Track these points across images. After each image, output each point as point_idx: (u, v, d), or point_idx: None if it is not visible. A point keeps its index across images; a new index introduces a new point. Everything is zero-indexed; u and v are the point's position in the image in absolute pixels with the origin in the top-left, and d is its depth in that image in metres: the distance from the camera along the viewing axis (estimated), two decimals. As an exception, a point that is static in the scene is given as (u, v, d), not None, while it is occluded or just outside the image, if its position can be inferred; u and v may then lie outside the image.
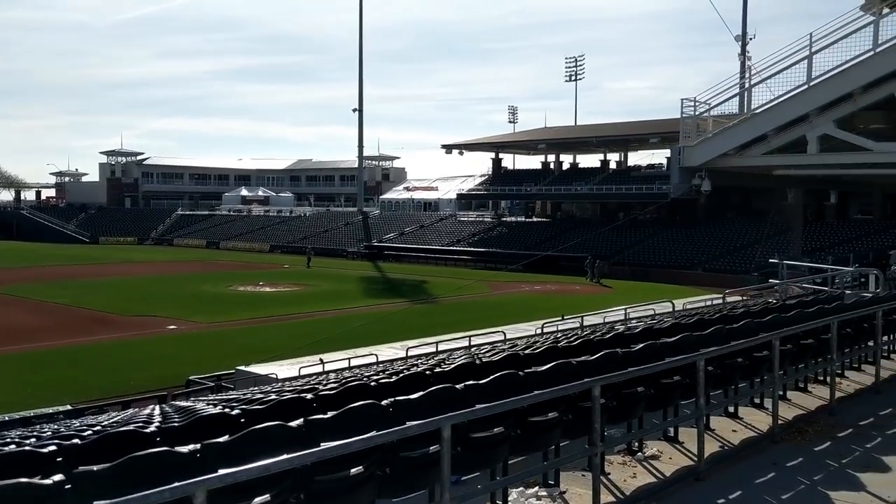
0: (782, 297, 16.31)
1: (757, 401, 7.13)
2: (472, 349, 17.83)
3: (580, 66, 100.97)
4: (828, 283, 16.94)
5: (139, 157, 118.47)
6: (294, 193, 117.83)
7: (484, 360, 6.67)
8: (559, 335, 14.41)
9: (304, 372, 19.45)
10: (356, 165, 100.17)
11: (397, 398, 4.34)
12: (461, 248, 72.14)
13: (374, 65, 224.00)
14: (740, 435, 6.58)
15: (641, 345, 6.38)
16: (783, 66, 17.49)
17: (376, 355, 20.69)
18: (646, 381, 5.58)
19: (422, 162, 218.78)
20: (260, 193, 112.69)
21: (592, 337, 7.78)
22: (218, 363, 24.08)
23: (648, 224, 63.77)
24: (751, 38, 64.10)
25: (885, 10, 17.18)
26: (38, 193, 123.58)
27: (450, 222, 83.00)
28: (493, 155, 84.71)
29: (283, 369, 20.87)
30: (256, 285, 49.87)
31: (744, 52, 63.69)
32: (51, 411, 18.37)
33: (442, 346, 20.45)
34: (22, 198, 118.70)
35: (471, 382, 4.73)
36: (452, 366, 6.68)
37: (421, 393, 4.36)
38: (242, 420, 4.84)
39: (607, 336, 7.79)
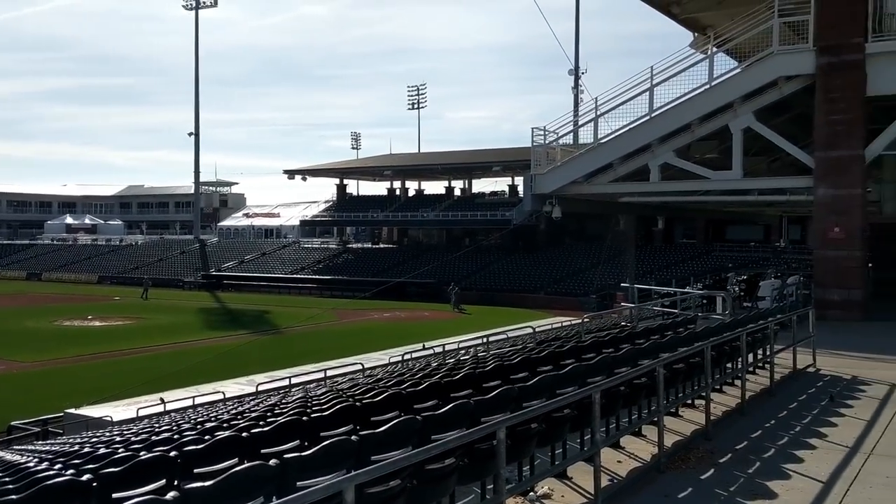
0: (635, 319, 16.87)
1: (635, 428, 7.10)
2: (330, 381, 17.17)
3: (422, 94, 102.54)
4: (676, 305, 17.71)
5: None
6: (125, 221, 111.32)
7: (363, 400, 6.20)
8: (426, 365, 14.08)
9: (142, 413, 18.01)
10: (192, 191, 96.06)
11: (287, 456, 3.81)
12: (306, 276, 70.63)
13: (209, 88, 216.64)
14: (626, 466, 6.48)
15: (535, 378, 6.15)
16: (627, 98, 18.27)
17: (223, 392, 19.51)
18: (539, 417, 5.33)
19: (262, 188, 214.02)
20: (87, 221, 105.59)
21: (476, 370, 7.47)
22: (44, 406, 21.95)
23: (493, 250, 65.23)
24: (583, 73, 67.67)
25: (713, 49, 18.36)
26: None
27: (293, 249, 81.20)
28: (337, 181, 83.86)
29: (119, 411, 19.30)
30: (85, 319, 46.30)
31: (577, 84, 67.15)
32: None
33: (296, 380, 19.61)
34: None
35: (367, 432, 4.29)
36: (328, 408, 6.13)
37: (316, 448, 3.85)
38: (95, 485, 4.11)
39: (488, 367, 7.52)
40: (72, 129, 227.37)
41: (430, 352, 22.27)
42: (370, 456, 4.20)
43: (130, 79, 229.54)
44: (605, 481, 5.84)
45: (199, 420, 10.99)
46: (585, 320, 17.94)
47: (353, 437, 4.04)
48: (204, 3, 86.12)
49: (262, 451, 4.96)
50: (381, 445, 4.27)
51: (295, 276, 71.27)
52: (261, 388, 19.43)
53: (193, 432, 7.70)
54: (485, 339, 19.61)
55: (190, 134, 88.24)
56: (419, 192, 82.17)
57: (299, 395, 12.31)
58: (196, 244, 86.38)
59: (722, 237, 60.62)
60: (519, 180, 74.93)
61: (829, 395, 9.28)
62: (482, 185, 79.01)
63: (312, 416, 6.02)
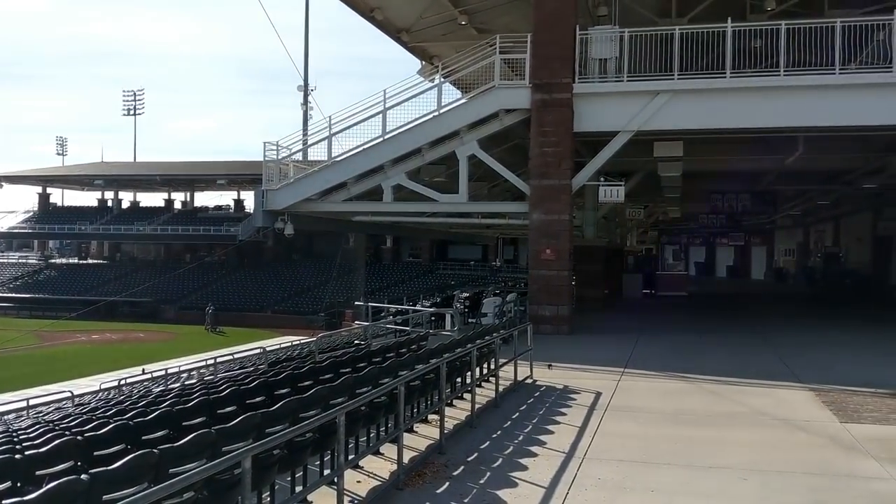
0: (370, 337, 17.08)
1: (377, 448, 7.14)
2: (34, 412, 15.32)
3: (139, 100, 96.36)
4: (408, 322, 18.23)
5: None
6: None
7: (85, 433, 5.54)
8: (146, 391, 13.11)
9: None
10: None
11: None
12: (0, 295, 63.01)
13: None
14: (366, 485, 6.47)
15: (278, 402, 5.91)
16: (361, 119, 18.53)
17: None
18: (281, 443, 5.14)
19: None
20: None
21: (209, 395, 7.02)
22: None
23: (216, 266, 62.88)
24: (313, 89, 67.92)
25: (440, 78, 19.34)
26: None
27: (-15, 264, 72.10)
28: (39, 189, 75.84)
29: None
30: None
31: (306, 101, 67.20)
32: None
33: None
34: None
35: (98, 470, 3.83)
36: (43, 443, 5.42)
37: (39, 494, 3.36)
38: None
39: (223, 393, 7.09)
40: None
41: (149, 376, 20.89)
42: (102, 496, 3.78)
43: None
44: (346, 502, 5.79)
45: None
46: (318, 338, 17.86)
47: (83, 477, 3.61)
48: None
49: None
50: (114, 484, 3.86)
51: (-14, 294, 63.26)
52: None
53: None
54: (212, 361, 18.74)
55: None
56: (135, 203, 76.91)
57: None
58: None
59: (445, 256, 63.92)
60: (245, 194, 73.16)
61: (545, 404, 10.07)
62: (205, 199, 76.03)
63: (27, 452, 5.29)
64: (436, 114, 18.35)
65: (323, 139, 18.85)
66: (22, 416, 15.49)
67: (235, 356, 21.35)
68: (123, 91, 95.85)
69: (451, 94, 19.81)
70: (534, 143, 17.87)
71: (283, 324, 49.73)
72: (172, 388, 11.26)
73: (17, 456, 5.09)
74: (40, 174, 75.08)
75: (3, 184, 72.67)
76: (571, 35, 17.91)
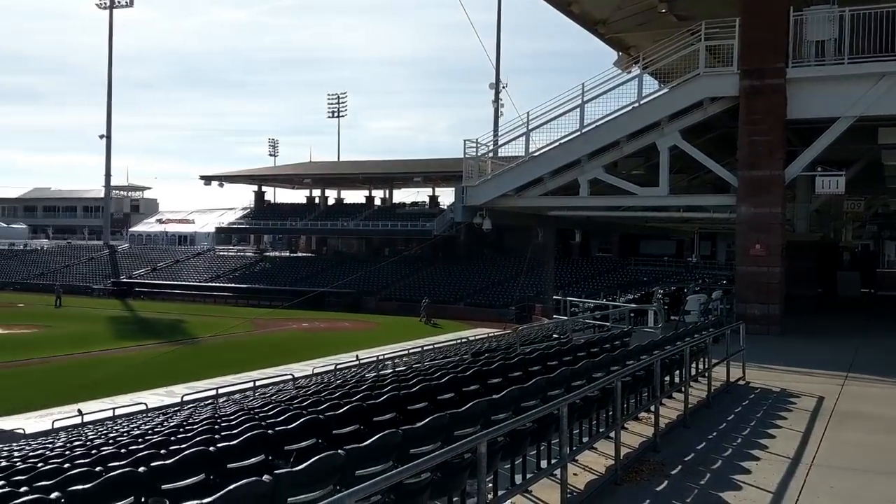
0: (568, 332, 17.09)
1: (586, 439, 7.15)
2: (259, 392, 16.74)
3: (342, 103, 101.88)
4: (607, 318, 18.05)
5: None
6: (29, 225, 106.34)
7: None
8: (359, 378, 13.90)
9: (58, 425, 17.16)
10: (102, 195, 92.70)
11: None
12: (221, 284, 69.02)
13: (119, 91, 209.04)
14: (582, 478, 6.51)
15: (503, 391, 6.11)
16: (559, 113, 18.55)
17: (145, 404, 18.79)
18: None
19: (176, 194, 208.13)
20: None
21: (430, 382, 7.35)
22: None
23: (413, 260, 65.20)
24: (504, 86, 68.63)
25: (641, 69, 18.88)
26: None
27: (208, 257, 79.24)
28: (255, 188, 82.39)
29: (32, 422, 18.40)
30: (-14, 327, 43.96)
31: (497, 98, 68.10)
32: None
33: (222, 390, 19.07)
34: None
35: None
36: (238, 434, 5.64)
37: (217, 497, 3.51)
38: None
39: (443, 379, 7.42)
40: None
41: (358, 362, 22.04)
42: (287, 498, 3.84)
43: (35, 78, 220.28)
44: (561, 492, 5.84)
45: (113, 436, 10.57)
46: (515, 331, 18.09)
47: (266, 478, 3.65)
48: (119, 2, 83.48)
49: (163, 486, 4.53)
50: (299, 486, 3.88)
51: (210, 284, 69.54)
52: (186, 398, 18.79)
53: (112, 447, 7.35)
54: (417, 350, 19.54)
55: (102, 136, 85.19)
56: (339, 200, 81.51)
57: (207, 417, 11.92)
58: (106, 250, 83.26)
59: (636, 251, 62.33)
60: (440, 191, 75.44)
61: (762, 407, 9.61)
62: (402, 196, 79.12)
63: (220, 445, 5.66)
64: (635, 105, 17.98)
65: (521, 135, 19.05)
66: (246, 397, 16.94)
67: (436, 346, 22.08)
68: (328, 94, 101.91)
69: (649, 85, 19.33)
70: (742, 132, 17.06)
71: (475, 316, 50.72)
72: (385, 375, 11.86)
73: (211, 448, 5.25)
74: (255, 174, 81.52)
75: (223, 183, 79.71)
76: (784, 17, 16.90)
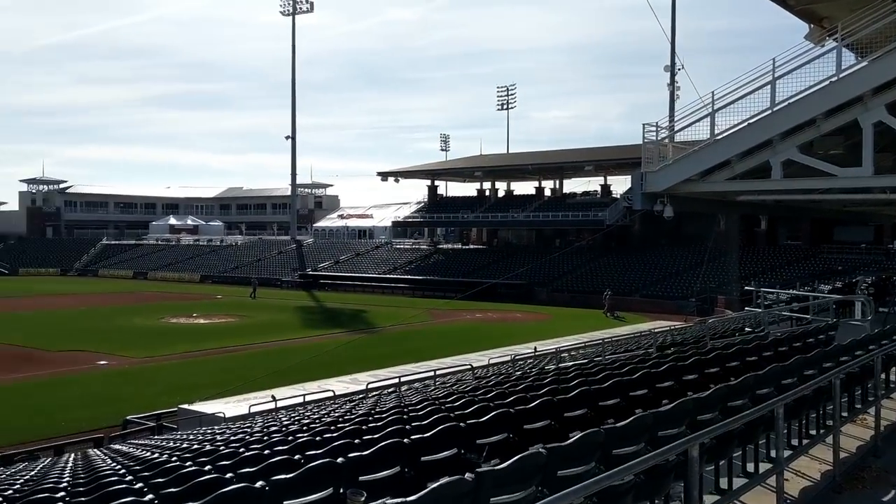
0: (764, 325, 16.13)
1: (794, 442, 6.63)
2: (439, 381, 17.11)
3: (512, 94, 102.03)
4: (807, 311, 16.83)
5: (62, 186, 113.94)
6: (224, 222, 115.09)
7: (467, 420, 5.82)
8: (537, 370, 13.80)
9: (254, 410, 18.37)
10: (288, 193, 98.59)
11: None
12: (398, 276, 71.39)
13: (300, 93, 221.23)
14: (795, 484, 6.03)
15: (709, 390, 5.79)
16: (747, 91, 17.41)
17: (333, 391, 19.74)
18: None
19: (355, 190, 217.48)
20: (189, 222, 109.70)
21: (621, 378, 7.11)
22: (156, 401, 22.73)
23: (585, 251, 64.25)
24: (680, 68, 65.83)
25: (839, 40, 17.36)
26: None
27: (385, 250, 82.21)
28: (428, 182, 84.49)
29: (230, 407, 19.75)
30: (190, 317, 47.97)
31: (672, 81, 65.45)
32: (-26, 459, 16.85)
33: (403, 378, 19.65)
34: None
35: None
36: (429, 425, 5.61)
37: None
38: (267, 489, 4.01)
39: (635, 375, 7.13)
40: (172, 134, 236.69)
41: (536, 353, 21.98)
42: (489, 498, 3.73)
43: (226, 84, 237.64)
44: (777, 501, 5.43)
45: (307, 422, 11.05)
46: (701, 324, 17.30)
47: (468, 477, 3.53)
48: (301, 8, 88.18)
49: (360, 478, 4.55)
50: (501, 486, 3.75)
51: (387, 276, 72.12)
52: (370, 386, 19.55)
53: (306, 434, 7.65)
54: (598, 341, 19.18)
55: (287, 137, 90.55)
56: (509, 192, 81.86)
57: (393, 406, 12.20)
58: (293, 245, 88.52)
59: (829, 239, 57.88)
60: (612, 179, 73.83)
61: None
62: (573, 186, 78.13)
63: (413, 437, 5.64)
64: (833, 79, 16.56)
65: (704, 117, 18.08)
66: (427, 385, 17.33)
67: (615, 339, 21.59)
68: (497, 87, 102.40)
69: (847, 58, 17.69)
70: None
71: (652, 308, 49.21)
72: (567, 367, 11.69)
73: (406, 441, 5.25)
74: (428, 169, 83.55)
75: (399, 179, 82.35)
76: None
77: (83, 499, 5.64)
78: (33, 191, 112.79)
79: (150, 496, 4.84)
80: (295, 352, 32.95)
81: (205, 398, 21.26)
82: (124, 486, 5.93)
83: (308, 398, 18.72)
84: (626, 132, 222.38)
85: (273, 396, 19.10)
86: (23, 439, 19.19)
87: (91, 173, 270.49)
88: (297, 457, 5.15)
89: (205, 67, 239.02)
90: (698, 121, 18.21)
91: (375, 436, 5.73)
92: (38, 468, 12.48)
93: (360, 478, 4.31)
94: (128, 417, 20.42)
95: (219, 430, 13.90)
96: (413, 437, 5.00)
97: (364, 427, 6.65)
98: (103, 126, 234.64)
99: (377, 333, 41.22)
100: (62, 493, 6.38)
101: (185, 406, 20.45)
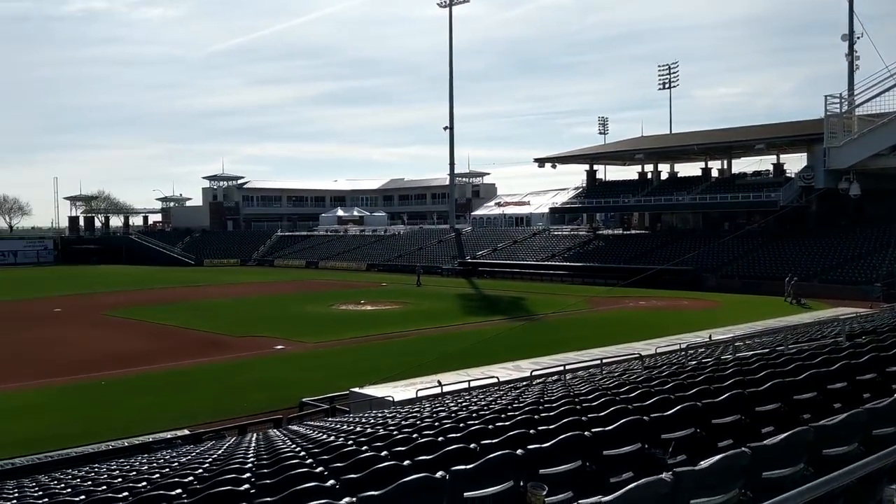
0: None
1: None
2: (605, 370, 16.77)
3: (673, 73, 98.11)
4: None
5: (240, 182, 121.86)
6: (387, 212, 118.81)
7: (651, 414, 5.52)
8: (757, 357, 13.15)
9: (421, 394, 18.77)
10: (447, 183, 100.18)
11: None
12: (556, 263, 70.80)
13: (456, 84, 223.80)
14: None
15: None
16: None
17: (497, 377, 19.83)
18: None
19: (511, 177, 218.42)
20: (355, 213, 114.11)
21: (818, 369, 6.57)
22: (328, 384, 23.73)
23: (756, 234, 60.86)
24: (859, 36, 60.56)
25: None
26: (146, 219, 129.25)
27: (543, 237, 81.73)
28: (586, 167, 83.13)
29: (398, 391, 20.27)
30: (358, 304, 49.90)
31: (851, 51, 60.31)
32: (170, 436, 18.30)
33: (568, 366, 19.43)
34: (130, 223, 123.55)
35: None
36: (609, 421, 5.36)
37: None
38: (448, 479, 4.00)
39: (833, 367, 6.55)
40: (338, 130, 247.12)
41: (708, 341, 21.08)
42: (689, 500, 3.44)
43: (386, 79, 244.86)
44: None
45: (476, 409, 11.08)
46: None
47: (666, 477, 3.31)
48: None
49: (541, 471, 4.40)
50: (702, 488, 3.47)
51: (546, 263, 71.71)
52: (534, 373, 19.48)
53: (477, 422, 7.63)
54: (780, 329, 18.09)
55: (445, 128, 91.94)
56: (672, 174, 79.00)
57: (562, 395, 11.99)
58: (452, 233, 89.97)
59: None
60: (785, 158, 69.41)
61: None
62: (742, 166, 74.04)
63: (594, 430, 5.41)
64: None
65: (895, 86, 16.51)
66: (593, 374, 17.01)
67: (793, 326, 20.31)
68: (658, 66, 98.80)
69: None
70: None
71: (831, 294, 45.84)
72: (746, 356, 11.05)
73: (587, 433, 5.07)
74: (587, 153, 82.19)
75: (556, 164, 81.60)
76: None
77: (268, 481, 5.91)
78: (215, 187, 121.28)
79: (331, 481, 4.98)
80: (456, 338, 33.44)
81: (374, 382, 21.96)
82: (305, 469, 6.16)
83: (473, 384, 18.90)
84: (796, 108, 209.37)
85: (439, 382, 19.43)
86: (211, 419, 20.63)
87: (265, 169, 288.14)
88: (472, 445, 5.12)
89: (368, 64, 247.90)
90: (887, 90, 16.67)
91: (550, 426, 5.60)
92: (224, 447, 13.35)
93: (541, 471, 4.19)
94: (303, 399, 21.41)
95: (389, 414, 14.28)
96: (594, 430, 4.81)
97: (536, 416, 6.54)
98: (276, 125, 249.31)
99: (537, 321, 41.06)
100: (247, 475, 6.73)
101: (356, 389, 21.19)
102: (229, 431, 18.56)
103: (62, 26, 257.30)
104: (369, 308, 47.97)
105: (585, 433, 4.70)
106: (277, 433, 15.15)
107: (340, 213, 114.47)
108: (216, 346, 33.43)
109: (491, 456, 3.98)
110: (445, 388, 18.94)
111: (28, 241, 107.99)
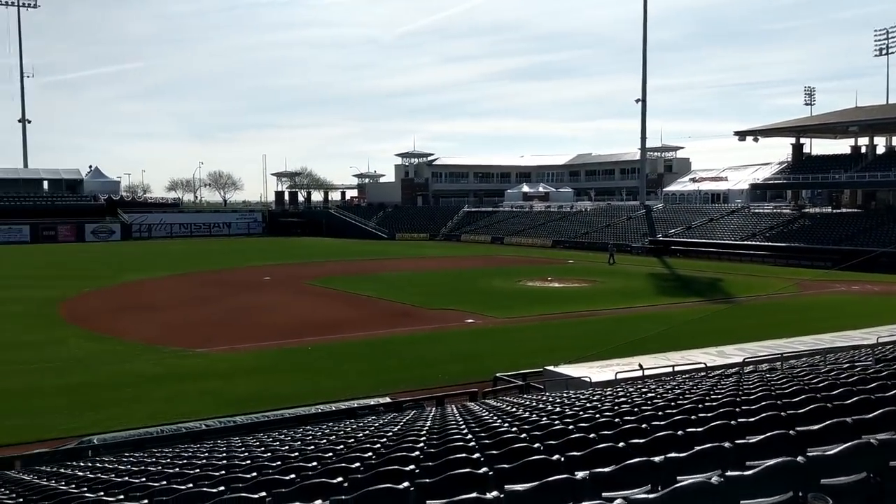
0: None
1: None
2: (829, 356, 15.43)
3: (892, 38, 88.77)
4: None
5: (429, 159, 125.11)
6: (573, 188, 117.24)
7: None
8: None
9: (620, 377, 18.22)
10: (637, 158, 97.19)
11: None
12: (757, 243, 66.73)
13: (648, 54, 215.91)
14: None
15: None
16: None
17: (705, 364, 18.88)
18: None
19: (707, 152, 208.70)
20: (540, 189, 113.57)
21: None
22: (520, 360, 23.77)
23: None
24: None
25: None
26: (343, 194, 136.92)
27: (742, 215, 77.24)
28: (792, 140, 77.51)
29: (595, 372, 19.82)
30: (545, 280, 49.65)
31: None
32: (373, 403, 19.02)
33: (784, 354, 18.13)
34: (329, 198, 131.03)
35: (734, 474, 3.08)
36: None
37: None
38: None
39: None
40: (519, 106, 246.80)
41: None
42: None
43: (573, 53, 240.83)
44: None
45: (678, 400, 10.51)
46: None
47: (714, 480, 2.86)
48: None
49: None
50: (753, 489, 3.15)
51: (745, 242, 67.80)
52: (747, 360, 18.37)
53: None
54: None
55: (637, 100, 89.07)
56: (891, 148, 71.85)
57: (796, 388, 11.08)
58: (642, 210, 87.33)
59: None
60: None
61: None
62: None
63: (879, 437, 4.75)
64: None
65: None
66: (804, 364, 15.73)
67: None
68: (874, 31, 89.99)
69: None
70: None
71: None
72: None
73: (872, 440, 4.35)
74: (792, 126, 76.56)
75: (758, 138, 76.66)
76: None
77: (430, 463, 5.87)
78: (406, 164, 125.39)
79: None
80: (650, 319, 32.37)
81: (570, 361, 21.66)
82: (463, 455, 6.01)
83: (676, 369, 18.10)
84: None
85: (640, 365, 18.79)
86: (410, 388, 21.25)
87: (453, 146, 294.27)
88: (726, 444, 4.69)
89: (554, 38, 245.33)
90: None
91: (819, 426, 4.99)
92: (421, 419, 13.51)
93: (822, 480, 3.73)
94: (497, 374, 21.55)
95: (593, 395, 13.93)
96: (879, 436, 4.21)
97: (783, 414, 5.95)
98: (463, 102, 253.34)
99: (737, 303, 38.90)
100: (416, 453, 6.71)
101: (551, 368, 21.00)
102: (428, 402, 19.00)
103: (267, 12, 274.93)
104: (557, 285, 47.56)
105: (871, 440, 4.09)
106: (481, 406, 15.23)
107: (526, 188, 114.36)
108: (409, 317, 34.49)
109: (769, 463, 3.53)
110: (647, 372, 18.27)
111: (240, 214, 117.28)
